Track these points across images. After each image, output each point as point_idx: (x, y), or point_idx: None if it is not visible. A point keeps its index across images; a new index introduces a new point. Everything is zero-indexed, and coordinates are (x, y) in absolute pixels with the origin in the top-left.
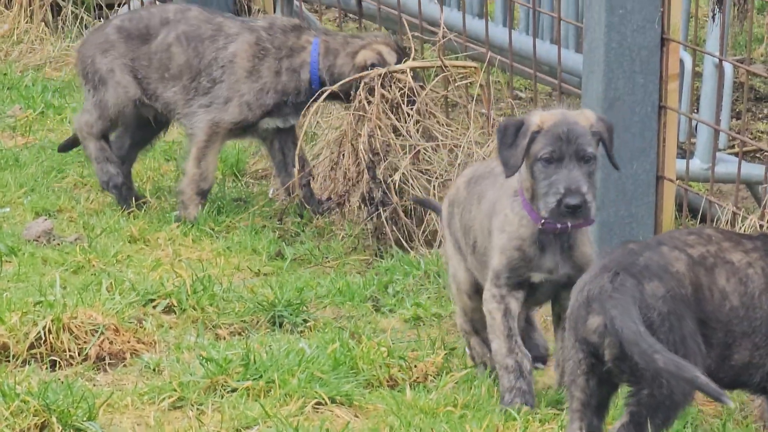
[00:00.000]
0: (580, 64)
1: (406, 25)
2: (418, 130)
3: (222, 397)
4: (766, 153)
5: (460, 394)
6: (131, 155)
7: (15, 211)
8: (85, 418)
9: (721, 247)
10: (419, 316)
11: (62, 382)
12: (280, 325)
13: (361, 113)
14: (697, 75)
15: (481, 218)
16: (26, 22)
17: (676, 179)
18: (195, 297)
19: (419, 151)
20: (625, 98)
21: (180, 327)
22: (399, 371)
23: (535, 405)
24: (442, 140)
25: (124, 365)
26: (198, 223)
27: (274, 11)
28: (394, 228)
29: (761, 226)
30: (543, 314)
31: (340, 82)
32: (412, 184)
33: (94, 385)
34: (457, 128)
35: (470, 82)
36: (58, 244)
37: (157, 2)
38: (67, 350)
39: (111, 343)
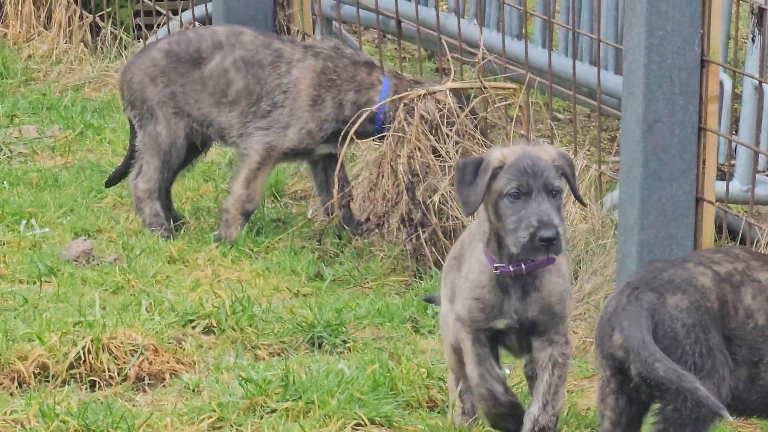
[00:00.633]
0: (620, 86)
1: (445, 46)
2: (457, 151)
3: (261, 418)
4: None
5: None
6: (171, 177)
7: (54, 232)
8: None
9: (749, 266)
10: None
11: (101, 403)
12: (320, 346)
13: (400, 134)
14: (736, 97)
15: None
16: (65, 43)
17: (716, 201)
18: (234, 317)
19: None
20: (665, 120)
21: (219, 347)
22: (438, 392)
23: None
24: None
25: (164, 386)
26: (237, 244)
27: (313, 32)
28: (433, 249)
29: None
30: None
31: (379, 103)
32: (451, 205)
33: (134, 406)
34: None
35: (509, 104)
36: (98, 265)
37: (196, 23)
38: (107, 370)
39: (150, 363)
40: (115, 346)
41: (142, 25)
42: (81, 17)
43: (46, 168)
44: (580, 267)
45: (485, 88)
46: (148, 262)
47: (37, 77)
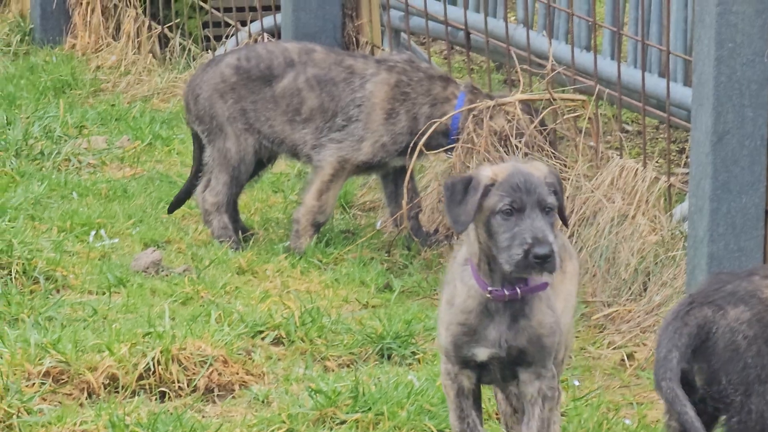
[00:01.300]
0: (689, 98)
1: (514, 57)
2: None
3: (331, 429)
4: None
5: (569, 425)
6: (239, 191)
7: (123, 242)
8: None
9: None
10: None
11: (171, 414)
12: (389, 358)
13: (469, 146)
14: None
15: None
16: (134, 54)
17: None
18: (304, 329)
19: None
20: (734, 132)
21: (289, 359)
22: None
23: None
24: None
25: (233, 397)
26: (306, 255)
27: (382, 43)
28: None
29: None
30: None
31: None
32: None
33: (203, 417)
34: (566, 161)
35: (578, 115)
36: (167, 275)
37: (266, 36)
38: (176, 381)
39: (220, 374)
40: (184, 357)
41: (211, 36)
42: (149, 28)
43: (115, 179)
44: (649, 279)
45: (554, 99)
46: (218, 273)
47: (106, 88)
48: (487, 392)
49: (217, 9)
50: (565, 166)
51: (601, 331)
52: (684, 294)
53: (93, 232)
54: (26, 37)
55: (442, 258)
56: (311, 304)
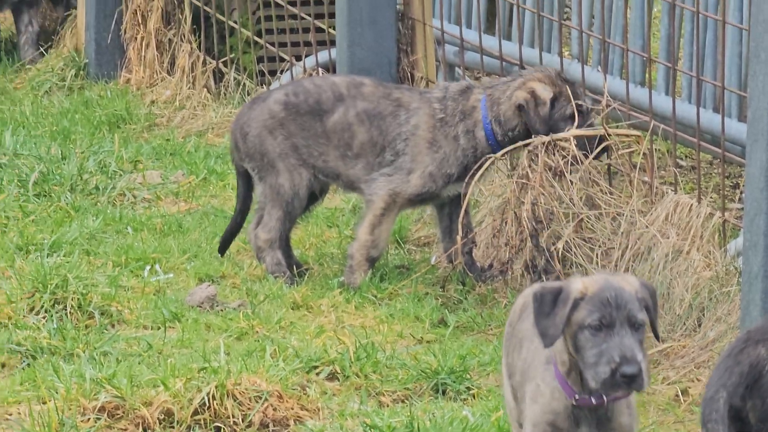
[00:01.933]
0: (743, 133)
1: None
2: (581, 198)
3: None
4: None
5: None
6: (291, 226)
7: (178, 277)
8: None
9: None
10: None
11: None
12: (443, 393)
13: (524, 181)
14: None
15: (519, 374)
16: (188, 88)
17: None
18: (358, 364)
19: (582, 219)
20: None
21: (343, 394)
22: None
23: None
24: (605, 208)
25: None
26: (361, 290)
27: (437, 78)
28: None
29: None
30: None
31: (502, 151)
32: (575, 252)
33: None
34: (620, 196)
35: (633, 151)
36: (222, 310)
37: (320, 71)
38: (231, 416)
39: (275, 409)
40: (239, 392)
41: (265, 71)
42: (204, 63)
43: (170, 213)
44: (703, 314)
45: (609, 135)
46: (272, 308)
47: (161, 123)
48: None
49: (272, 44)
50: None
51: (655, 367)
52: (738, 330)
53: (148, 267)
54: (81, 72)
55: (497, 293)
56: (366, 339)
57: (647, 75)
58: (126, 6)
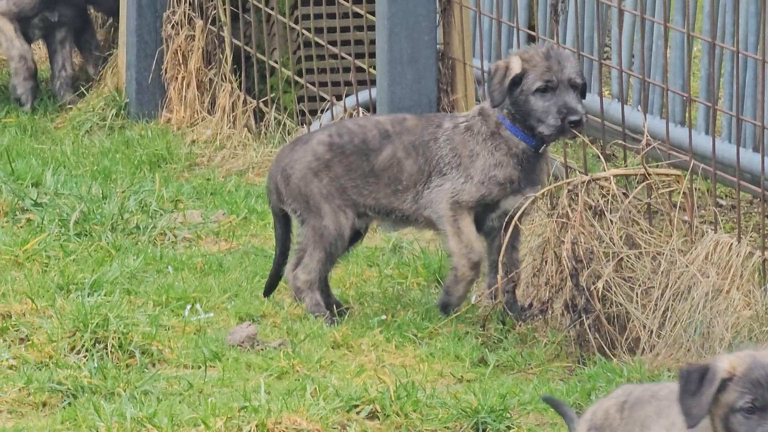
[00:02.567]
0: None
1: (609, 132)
2: (621, 237)
3: None
4: None
5: None
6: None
7: (219, 316)
8: None
9: None
10: None
11: None
12: None
13: (564, 220)
14: None
15: None
16: (229, 128)
17: None
18: (398, 403)
19: (622, 258)
20: None
21: None
22: None
23: None
24: (645, 248)
25: None
26: (401, 329)
27: None
28: (597, 335)
29: None
30: None
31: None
32: (615, 292)
33: None
34: (660, 235)
35: (673, 190)
36: (262, 350)
37: (361, 110)
38: None
39: None
40: (280, 431)
41: (306, 111)
42: (245, 102)
43: (211, 253)
44: None
45: (649, 174)
46: (313, 347)
47: (201, 162)
48: None
49: (313, 83)
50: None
51: None
52: None
53: (188, 306)
54: (122, 111)
55: (537, 332)
56: (406, 378)
57: (687, 114)
58: (167, 46)
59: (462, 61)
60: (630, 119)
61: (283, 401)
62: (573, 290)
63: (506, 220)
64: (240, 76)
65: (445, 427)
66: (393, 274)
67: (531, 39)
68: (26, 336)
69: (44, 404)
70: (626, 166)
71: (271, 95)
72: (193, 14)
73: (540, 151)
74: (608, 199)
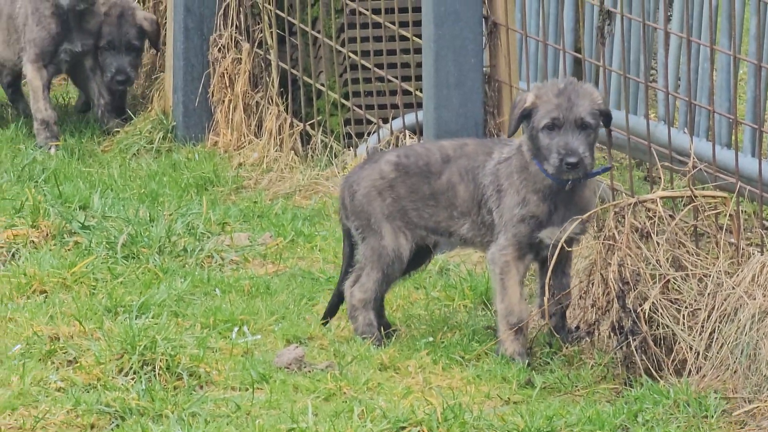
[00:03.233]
0: None
1: (654, 154)
2: (667, 260)
3: None
4: None
5: None
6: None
7: (266, 339)
8: None
9: None
10: None
11: None
12: None
13: (611, 242)
14: None
15: None
16: (276, 151)
17: None
18: (446, 425)
19: (669, 280)
20: None
21: None
22: None
23: None
24: (691, 270)
25: None
26: (448, 351)
27: None
28: (644, 357)
29: None
30: None
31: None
32: (661, 313)
33: None
34: (707, 258)
35: (719, 212)
36: (310, 372)
37: (407, 133)
38: None
39: None
40: None
41: (353, 134)
42: (291, 125)
43: (258, 275)
44: None
45: (695, 196)
46: (360, 369)
47: (248, 185)
48: None
49: (359, 106)
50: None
51: (742, 427)
52: None
53: (236, 329)
54: (169, 135)
55: (583, 354)
56: (453, 400)
57: (733, 137)
58: (213, 69)
59: (508, 83)
60: (676, 141)
61: (331, 423)
62: (620, 312)
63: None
64: (287, 99)
65: None
66: (440, 296)
67: (577, 62)
68: (74, 358)
69: (92, 426)
70: (672, 189)
71: (318, 118)
72: (240, 37)
73: (566, 187)
74: (655, 222)
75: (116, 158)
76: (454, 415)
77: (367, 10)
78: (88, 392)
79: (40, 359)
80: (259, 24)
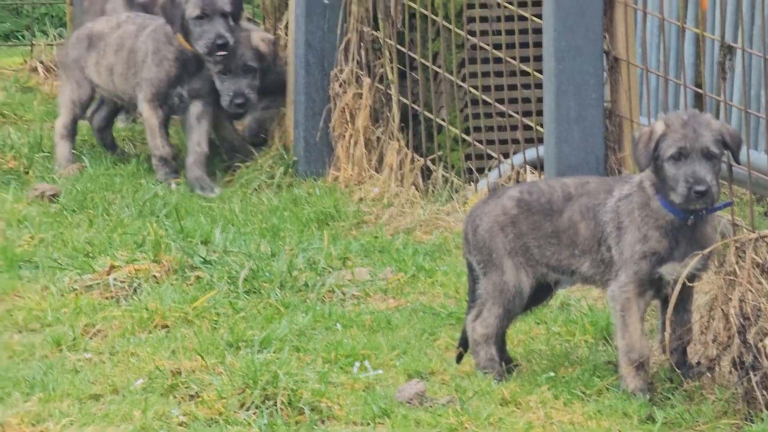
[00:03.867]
0: None
1: None
2: None
3: None
4: None
5: None
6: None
7: (388, 373)
8: None
9: None
10: None
11: None
12: None
13: (731, 278)
14: None
15: None
16: (396, 185)
17: None
18: None
19: None
20: None
21: None
22: None
23: None
24: None
25: None
26: (569, 386)
27: None
28: (765, 392)
29: None
30: None
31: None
32: None
33: None
34: None
35: None
36: (431, 406)
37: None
38: None
39: None
40: None
41: (473, 168)
42: (412, 160)
43: (379, 310)
44: None
45: None
46: (481, 404)
47: (369, 220)
48: None
49: (480, 141)
50: None
51: None
52: None
53: (357, 363)
54: (289, 169)
55: (704, 389)
56: None
57: None
58: (334, 104)
59: (629, 118)
60: None
61: None
62: (740, 347)
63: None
64: (407, 133)
65: None
66: (561, 331)
67: (698, 96)
68: (196, 393)
69: None
70: None
71: (439, 153)
72: (361, 72)
73: (689, 222)
74: None
75: (237, 193)
76: None
77: (488, 45)
78: (210, 427)
79: (162, 394)
80: (380, 59)
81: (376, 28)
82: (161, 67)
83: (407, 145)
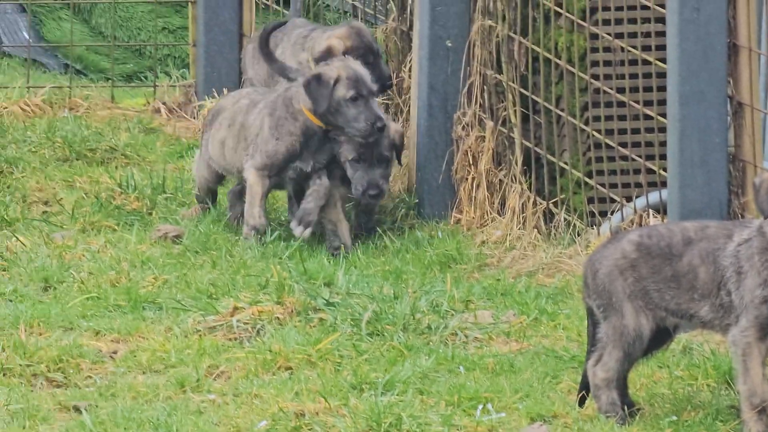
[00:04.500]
0: None
1: None
2: None
3: None
4: None
5: None
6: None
7: (510, 417)
8: None
9: None
10: None
11: None
12: None
13: None
14: None
15: None
16: (519, 229)
17: None
18: None
19: None
20: None
21: None
22: None
23: None
24: None
25: None
26: (692, 430)
27: None
28: None
29: None
30: None
31: None
32: None
33: None
34: None
35: None
36: None
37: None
38: None
39: None
40: None
41: (596, 212)
42: (534, 203)
43: (502, 353)
44: None
45: None
46: None
47: (491, 263)
48: None
49: (603, 185)
50: None
51: None
52: None
53: (480, 406)
54: (411, 212)
55: None
56: None
57: None
58: (457, 147)
59: (753, 163)
60: None
61: None
62: None
63: None
64: (530, 177)
65: None
66: (683, 375)
67: None
68: None
69: None
70: None
71: (561, 196)
72: (484, 115)
73: None
74: None
75: (359, 235)
76: None
77: (612, 89)
78: None
79: None
80: (502, 102)
81: (500, 72)
82: (282, 140)
83: (530, 188)
